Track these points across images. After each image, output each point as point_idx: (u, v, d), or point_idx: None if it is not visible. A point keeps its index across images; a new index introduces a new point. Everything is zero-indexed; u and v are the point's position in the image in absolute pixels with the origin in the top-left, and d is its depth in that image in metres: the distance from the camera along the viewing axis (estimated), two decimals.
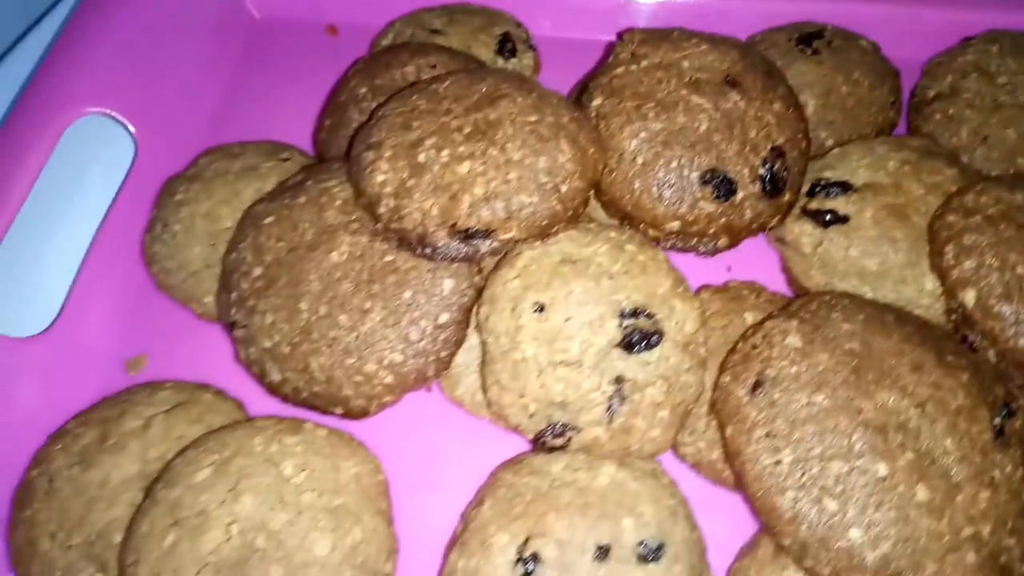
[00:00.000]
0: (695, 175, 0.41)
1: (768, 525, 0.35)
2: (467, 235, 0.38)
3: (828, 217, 0.43)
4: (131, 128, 0.50)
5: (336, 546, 0.31)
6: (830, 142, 0.49)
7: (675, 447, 0.40)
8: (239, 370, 0.42)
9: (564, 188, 0.38)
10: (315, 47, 0.57)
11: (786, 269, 0.46)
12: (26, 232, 0.47)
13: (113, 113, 0.50)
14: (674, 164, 0.41)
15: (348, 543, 0.31)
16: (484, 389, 0.39)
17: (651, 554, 0.35)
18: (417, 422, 0.43)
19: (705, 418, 0.40)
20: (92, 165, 0.52)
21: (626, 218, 0.43)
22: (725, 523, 0.40)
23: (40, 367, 0.44)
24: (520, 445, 0.41)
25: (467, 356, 0.41)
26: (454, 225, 0.37)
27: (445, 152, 0.38)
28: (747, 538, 0.39)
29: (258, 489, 0.32)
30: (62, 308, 0.46)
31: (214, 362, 0.45)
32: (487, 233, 0.38)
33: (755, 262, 0.47)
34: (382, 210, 0.39)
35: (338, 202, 0.42)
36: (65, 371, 0.45)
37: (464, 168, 0.37)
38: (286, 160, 0.49)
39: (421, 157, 0.38)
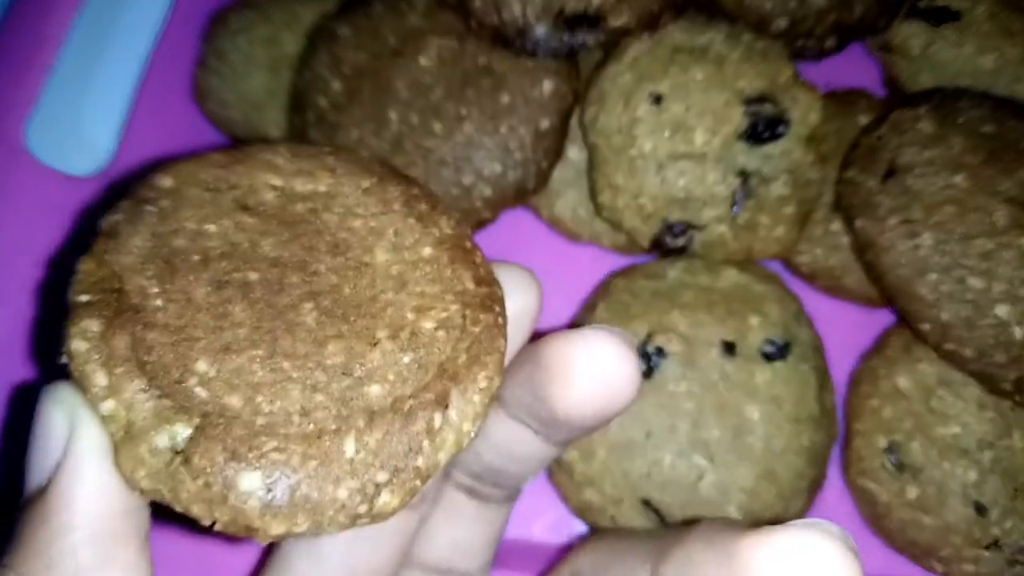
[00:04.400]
0: None
1: (906, 313, 0.34)
2: (573, 24, 0.35)
3: (939, 14, 0.41)
4: None
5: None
6: None
7: (789, 257, 0.39)
8: None
9: None
10: None
11: (889, 79, 0.44)
12: (70, 69, 0.43)
13: None
14: None
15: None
16: (593, 196, 0.37)
17: (778, 352, 0.34)
18: (506, 247, 0.41)
19: (822, 224, 0.38)
20: (128, 4, 0.48)
21: (730, 20, 0.40)
22: (839, 339, 0.38)
23: (89, 205, 0.41)
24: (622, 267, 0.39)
25: (565, 171, 0.39)
26: (560, 12, 0.34)
27: None
28: (861, 352, 0.38)
29: None
30: (116, 149, 0.43)
31: None
32: (595, 21, 0.35)
33: (854, 77, 0.44)
34: (476, 3, 0.36)
35: (420, 6, 0.38)
36: None
37: None
38: None
39: None
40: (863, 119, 0.39)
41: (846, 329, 0.38)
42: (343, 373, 0.18)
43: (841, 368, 0.38)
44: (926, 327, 0.33)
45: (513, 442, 0.23)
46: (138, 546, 0.18)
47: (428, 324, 0.19)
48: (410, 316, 0.19)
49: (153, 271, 0.19)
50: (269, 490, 0.16)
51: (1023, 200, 0.33)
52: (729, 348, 0.34)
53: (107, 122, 0.43)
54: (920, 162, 0.34)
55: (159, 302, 0.18)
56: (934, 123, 0.35)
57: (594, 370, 0.19)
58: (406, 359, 0.18)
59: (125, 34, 0.46)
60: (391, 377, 0.18)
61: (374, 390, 0.18)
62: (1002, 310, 0.32)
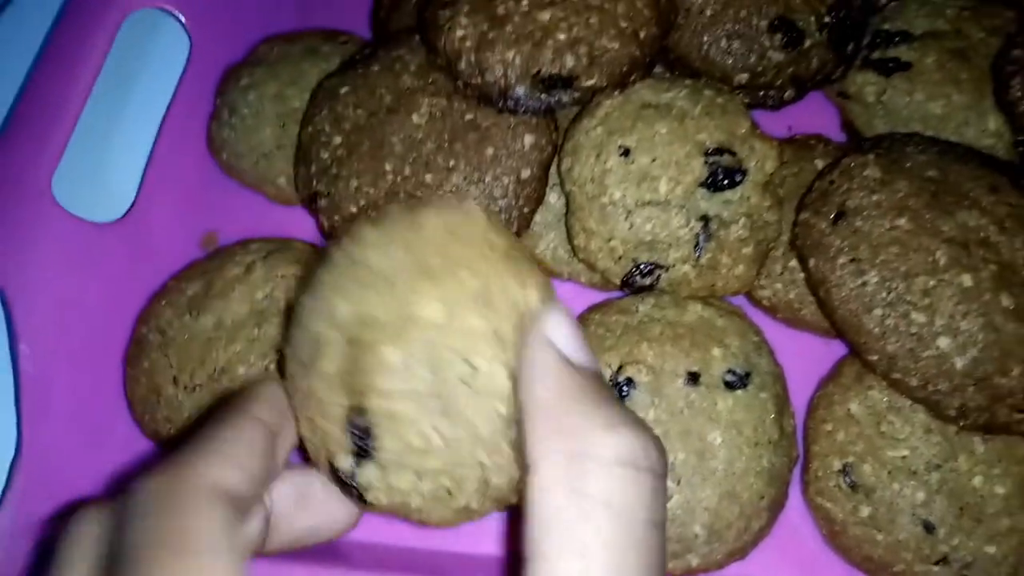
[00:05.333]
0: (763, 23, 0.42)
1: (855, 345, 0.37)
2: (550, 84, 0.38)
3: (891, 65, 0.44)
4: (182, 19, 0.50)
5: (447, 301, 0.26)
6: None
7: (751, 291, 0.42)
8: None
9: (643, 34, 0.39)
10: None
11: (847, 123, 0.47)
12: (94, 126, 0.47)
13: (165, 6, 0.50)
14: (743, 14, 0.42)
15: (460, 293, 0.27)
16: (570, 239, 0.40)
17: (739, 381, 0.37)
18: None
19: (781, 261, 0.41)
20: (148, 59, 0.52)
21: (694, 76, 0.44)
22: (799, 367, 0.41)
23: (118, 252, 0.45)
24: (599, 302, 0.42)
25: (546, 215, 0.43)
26: (537, 74, 0.38)
27: (525, 1, 0.38)
28: (820, 378, 0.41)
29: (348, 290, 0.29)
30: (135, 199, 0.47)
31: None
32: (570, 81, 0.38)
33: (815, 121, 0.48)
34: (463, 66, 0.39)
35: (412, 67, 0.42)
36: (143, 255, 0.46)
37: (546, 15, 0.38)
38: (345, 43, 0.49)
39: (500, 9, 0.39)
40: (820, 163, 0.43)
41: (806, 357, 0.41)
42: None
43: (803, 394, 0.40)
44: (874, 358, 0.36)
45: None
46: None
47: None
48: None
49: None
50: None
51: (962, 240, 0.36)
52: (694, 378, 0.37)
53: (127, 172, 0.47)
54: (867, 205, 0.38)
55: None
56: (881, 169, 0.38)
57: None
58: None
59: (144, 90, 0.51)
60: None
61: None
62: (943, 342, 0.35)
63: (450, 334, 0.26)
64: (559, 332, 0.22)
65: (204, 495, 0.21)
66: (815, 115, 0.48)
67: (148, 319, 0.42)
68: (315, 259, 0.40)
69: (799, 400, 0.40)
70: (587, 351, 0.23)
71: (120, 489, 0.22)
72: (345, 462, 0.27)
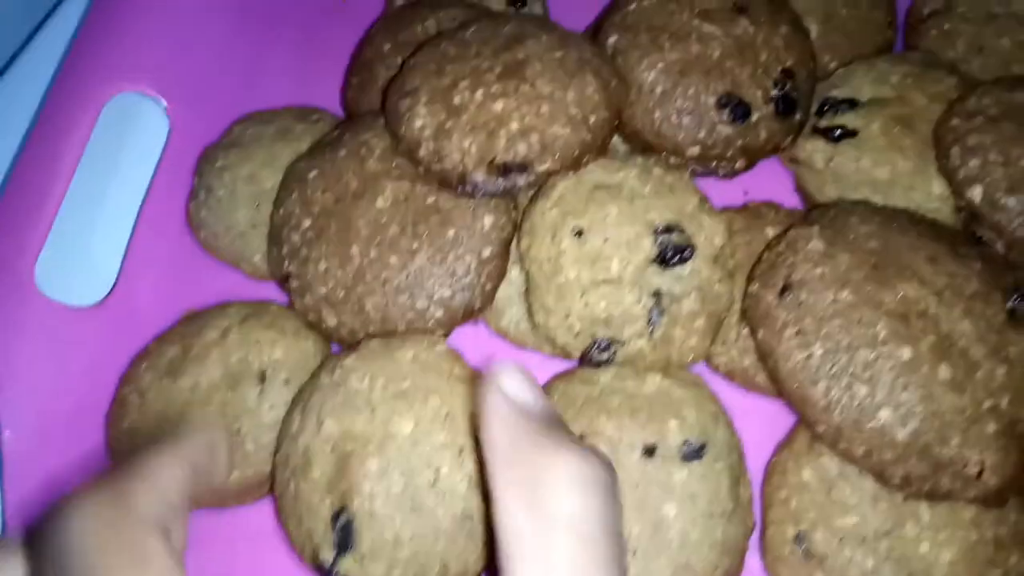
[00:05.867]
0: (712, 100, 0.44)
1: (803, 416, 0.38)
2: (505, 170, 0.40)
3: (838, 132, 0.46)
4: (163, 103, 0.52)
5: (418, 420, 0.33)
6: (834, 64, 0.51)
7: (709, 358, 0.43)
8: None
9: (592, 119, 0.41)
10: (332, 10, 0.59)
11: (800, 187, 0.49)
12: (75, 209, 0.49)
13: (146, 90, 0.52)
14: (692, 91, 0.44)
15: (428, 413, 0.34)
16: (530, 315, 0.42)
17: (693, 453, 0.38)
18: (466, 355, 0.46)
19: (736, 328, 0.43)
20: (127, 140, 0.54)
21: (648, 148, 0.45)
22: (757, 430, 0.42)
23: (101, 334, 0.47)
24: (562, 369, 0.44)
25: (509, 289, 0.44)
26: (492, 161, 0.40)
27: (479, 92, 0.40)
28: (778, 442, 0.42)
29: (334, 409, 0.35)
30: (117, 278, 0.48)
31: None
32: (524, 167, 0.40)
33: (770, 184, 0.49)
34: (422, 153, 0.41)
35: (377, 152, 0.44)
36: (126, 335, 0.47)
37: (499, 106, 0.40)
38: (317, 121, 0.51)
39: (456, 100, 0.40)
40: (770, 231, 0.44)
41: (764, 421, 0.43)
42: None
43: (761, 458, 0.42)
44: (821, 428, 0.38)
45: None
46: None
47: None
48: None
49: None
50: None
51: (902, 313, 0.38)
52: (650, 451, 0.38)
53: (109, 252, 0.49)
54: (812, 279, 0.39)
55: None
56: (824, 241, 0.40)
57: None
58: None
59: (124, 170, 0.53)
60: None
61: None
62: (885, 414, 0.36)
63: (420, 447, 0.34)
64: (508, 380, 0.25)
65: (149, 525, 0.23)
66: (770, 178, 0.50)
67: (129, 381, 0.44)
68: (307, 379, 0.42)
69: (758, 464, 0.41)
70: (535, 392, 0.25)
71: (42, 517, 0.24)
72: (329, 554, 0.33)
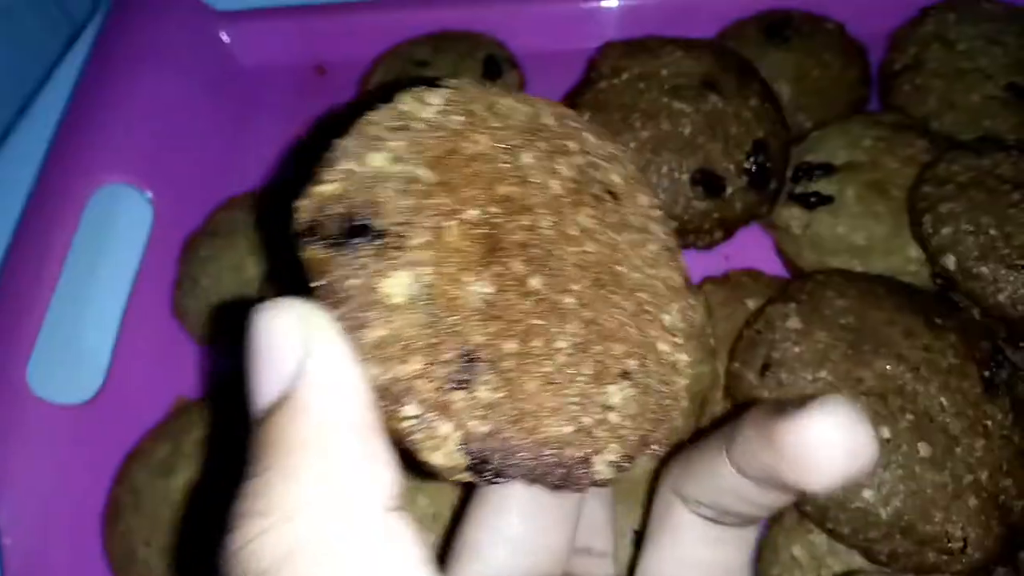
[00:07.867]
0: (685, 177, 0.44)
1: None
2: None
3: (813, 199, 0.46)
4: (148, 194, 0.53)
5: None
6: (808, 124, 0.51)
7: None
8: None
9: None
10: (306, 89, 0.60)
11: (780, 250, 0.49)
12: (63, 306, 0.49)
13: (130, 181, 0.53)
14: (664, 169, 0.44)
15: None
16: None
17: None
18: None
19: (721, 403, 0.43)
20: (111, 231, 0.54)
21: None
22: None
23: (94, 430, 0.47)
24: None
25: None
26: None
27: None
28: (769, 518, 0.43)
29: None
30: (108, 371, 0.49)
31: None
32: None
33: (751, 248, 0.50)
34: None
35: None
36: (120, 428, 0.48)
37: None
38: None
39: None
40: (751, 303, 0.45)
41: None
42: None
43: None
44: (808, 509, 0.38)
45: (745, 490, 0.24)
46: (386, 439, 0.18)
47: None
48: None
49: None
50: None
51: (880, 391, 0.38)
52: (639, 536, 0.39)
53: (98, 349, 0.50)
54: (790, 358, 0.40)
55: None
56: (801, 319, 0.40)
57: (835, 462, 0.20)
58: None
59: (109, 263, 0.53)
60: None
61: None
62: (868, 494, 0.37)
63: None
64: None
65: None
66: (751, 241, 0.50)
67: (122, 480, 0.44)
68: None
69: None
70: None
71: None
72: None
